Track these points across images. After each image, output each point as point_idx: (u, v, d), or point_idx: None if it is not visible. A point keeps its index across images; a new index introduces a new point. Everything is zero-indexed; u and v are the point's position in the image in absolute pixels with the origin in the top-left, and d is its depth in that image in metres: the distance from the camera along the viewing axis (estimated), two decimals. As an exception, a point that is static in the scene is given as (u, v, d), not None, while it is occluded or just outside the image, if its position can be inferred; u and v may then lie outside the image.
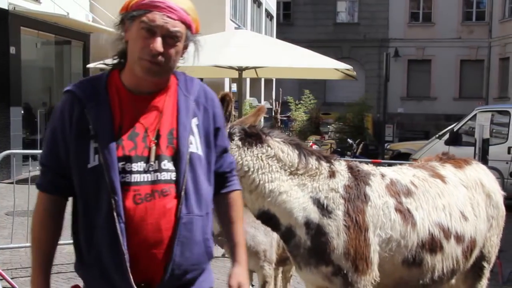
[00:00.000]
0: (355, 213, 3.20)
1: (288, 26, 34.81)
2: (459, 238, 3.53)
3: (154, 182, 2.10)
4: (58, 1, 14.94)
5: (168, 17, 2.11)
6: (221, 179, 2.39)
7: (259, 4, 26.25)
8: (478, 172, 3.93)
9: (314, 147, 14.83)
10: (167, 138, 2.15)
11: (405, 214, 3.34)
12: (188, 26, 2.18)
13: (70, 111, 2.13)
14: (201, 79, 18.51)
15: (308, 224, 3.19)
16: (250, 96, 23.07)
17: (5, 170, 11.99)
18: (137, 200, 2.07)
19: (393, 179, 3.48)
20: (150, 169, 2.11)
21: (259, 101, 24.46)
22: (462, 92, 33.03)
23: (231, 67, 12.54)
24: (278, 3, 32.99)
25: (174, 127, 2.17)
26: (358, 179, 3.34)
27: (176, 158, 2.14)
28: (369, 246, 3.19)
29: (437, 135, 13.78)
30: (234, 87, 19.26)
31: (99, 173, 2.06)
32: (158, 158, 2.12)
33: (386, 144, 17.69)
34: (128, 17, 2.15)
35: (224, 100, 2.98)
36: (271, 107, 23.43)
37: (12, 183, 9.48)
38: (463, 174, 3.83)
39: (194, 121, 2.23)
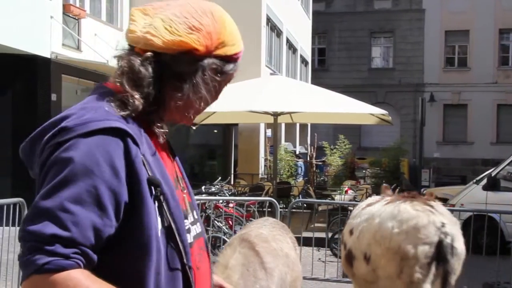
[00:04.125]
0: None
1: (323, 72, 35.02)
2: None
3: (196, 237, 1.75)
4: (98, 49, 15.36)
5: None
6: None
7: (294, 50, 26.55)
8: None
9: (350, 192, 14.74)
10: (181, 182, 1.79)
11: None
12: None
13: (128, 163, 1.52)
14: (237, 124, 18.71)
15: None
16: (285, 141, 23.15)
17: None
18: (198, 265, 1.72)
19: None
20: (193, 220, 1.76)
21: (294, 146, 24.53)
22: (500, 137, 32.60)
23: (266, 112, 12.66)
24: (313, 49, 33.29)
25: (177, 168, 1.82)
26: None
27: (192, 206, 1.80)
28: None
29: (474, 180, 13.58)
30: (270, 132, 19.37)
31: (167, 241, 1.58)
32: (190, 207, 1.78)
33: (422, 189, 17.50)
34: (223, 63, 1.72)
35: None
36: (306, 152, 23.44)
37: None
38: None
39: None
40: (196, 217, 1.79)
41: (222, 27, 1.70)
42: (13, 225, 6.89)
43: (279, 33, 22.89)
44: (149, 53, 1.62)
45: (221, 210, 10.86)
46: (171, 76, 1.64)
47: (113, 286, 1.46)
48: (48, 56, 13.78)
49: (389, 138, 26.07)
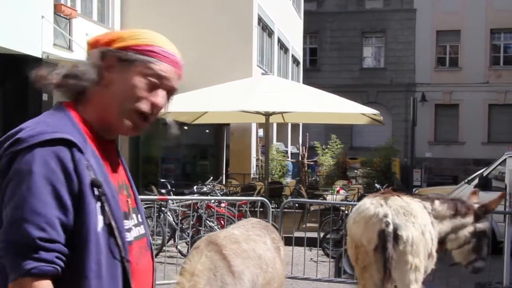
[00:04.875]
0: None
1: (315, 72, 35.05)
2: None
3: (137, 238, 1.94)
4: (89, 49, 15.32)
5: (178, 74, 1.99)
6: None
7: (286, 50, 26.55)
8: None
9: (342, 192, 14.77)
10: (126, 189, 1.99)
11: None
12: None
13: (73, 165, 1.71)
14: (228, 124, 18.69)
15: None
16: (277, 141, 23.14)
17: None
18: (137, 261, 1.89)
19: None
20: (134, 223, 1.95)
21: (286, 146, 24.54)
22: (491, 137, 32.72)
23: (258, 112, 12.66)
24: (304, 49, 33.32)
25: (124, 178, 2.01)
26: None
27: (136, 210, 2.00)
28: None
29: (466, 180, 13.63)
30: (261, 132, 19.37)
31: (107, 237, 1.76)
32: (133, 211, 1.97)
33: (414, 189, 17.54)
34: (123, 56, 1.88)
35: None
36: (297, 151, 23.45)
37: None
38: None
39: None
40: (140, 220, 1.99)
41: (131, 32, 1.93)
42: None
43: (270, 33, 22.88)
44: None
45: (213, 210, 10.86)
46: None
47: None
48: (40, 55, 13.71)
49: (381, 138, 26.13)
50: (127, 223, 1.88)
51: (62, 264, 1.65)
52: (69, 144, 1.71)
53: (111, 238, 1.76)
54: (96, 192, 1.74)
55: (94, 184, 1.73)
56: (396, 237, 4.46)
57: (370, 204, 4.64)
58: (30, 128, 1.74)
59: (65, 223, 1.67)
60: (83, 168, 1.71)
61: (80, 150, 1.73)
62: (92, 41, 1.98)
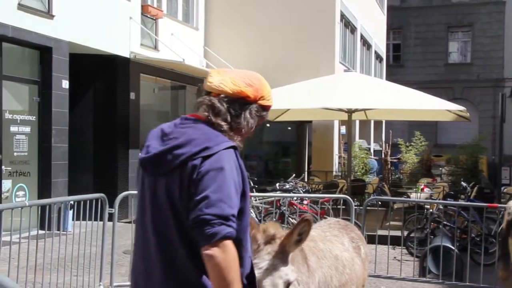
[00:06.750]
0: None
1: (398, 68, 34.50)
2: None
3: None
4: (175, 48, 15.69)
5: None
6: None
7: (369, 47, 26.26)
8: None
9: (426, 190, 14.49)
10: None
11: None
12: None
13: (239, 166, 2.49)
14: (311, 121, 18.71)
15: None
16: (360, 138, 22.93)
17: (123, 210, 12.55)
18: None
19: None
20: None
21: (369, 143, 24.29)
22: None
23: (340, 109, 12.61)
24: (387, 45, 32.83)
25: None
26: None
27: None
28: None
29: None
30: (344, 129, 19.26)
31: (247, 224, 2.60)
32: None
33: (502, 188, 16.98)
34: (262, 112, 2.68)
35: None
36: (380, 149, 23.16)
37: (130, 222, 9.94)
38: None
39: None
40: None
41: (264, 88, 2.70)
42: (95, 219, 7.15)
43: (353, 29, 22.70)
44: (223, 95, 2.58)
45: (295, 207, 10.92)
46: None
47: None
48: (127, 56, 14.17)
49: (467, 135, 25.43)
50: None
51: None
52: (235, 149, 2.49)
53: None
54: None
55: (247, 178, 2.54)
56: None
57: None
58: (206, 138, 2.46)
59: (238, 206, 2.42)
60: (243, 166, 2.51)
61: (239, 153, 2.52)
62: (238, 91, 2.61)
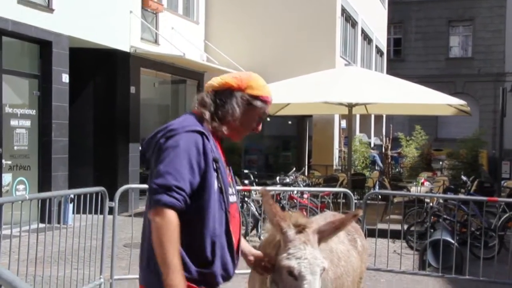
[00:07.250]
0: None
1: (399, 62, 34.47)
2: None
3: (232, 202, 2.90)
4: (175, 42, 15.67)
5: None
6: None
7: (369, 41, 26.22)
8: None
9: (426, 184, 14.50)
10: (229, 170, 3.00)
11: None
12: None
13: (203, 148, 2.70)
14: (311, 116, 18.70)
15: None
16: (360, 132, 22.94)
17: (123, 203, 12.56)
18: (233, 214, 2.88)
19: None
20: (232, 192, 2.93)
21: (369, 137, 24.29)
22: None
23: (341, 104, 12.62)
24: (388, 39, 32.77)
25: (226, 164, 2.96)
26: None
27: (233, 185, 3.02)
28: None
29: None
30: (344, 123, 19.26)
31: (219, 195, 2.75)
32: (232, 184, 2.99)
33: (502, 182, 16.98)
34: (250, 100, 2.88)
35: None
36: (381, 143, 23.16)
37: (130, 216, 9.94)
38: None
39: None
40: (235, 192, 3.00)
41: (251, 79, 2.92)
42: (96, 213, 7.15)
43: (354, 24, 22.67)
44: (211, 89, 2.89)
45: (295, 201, 10.92)
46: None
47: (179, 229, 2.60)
48: (128, 50, 14.16)
49: (467, 129, 25.41)
50: (230, 190, 2.86)
51: (183, 205, 2.61)
52: (202, 134, 2.71)
53: (221, 195, 2.75)
54: (214, 166, 2.73)
55: (214, 160, 2.73)
56: None
57: None
58: (178, 123, 2.74)
59: (192, 181, 2.64)
60: (208, 149, 2.70)
61: (207, 139, 2.73)
62: (222, 82, 2.89)
